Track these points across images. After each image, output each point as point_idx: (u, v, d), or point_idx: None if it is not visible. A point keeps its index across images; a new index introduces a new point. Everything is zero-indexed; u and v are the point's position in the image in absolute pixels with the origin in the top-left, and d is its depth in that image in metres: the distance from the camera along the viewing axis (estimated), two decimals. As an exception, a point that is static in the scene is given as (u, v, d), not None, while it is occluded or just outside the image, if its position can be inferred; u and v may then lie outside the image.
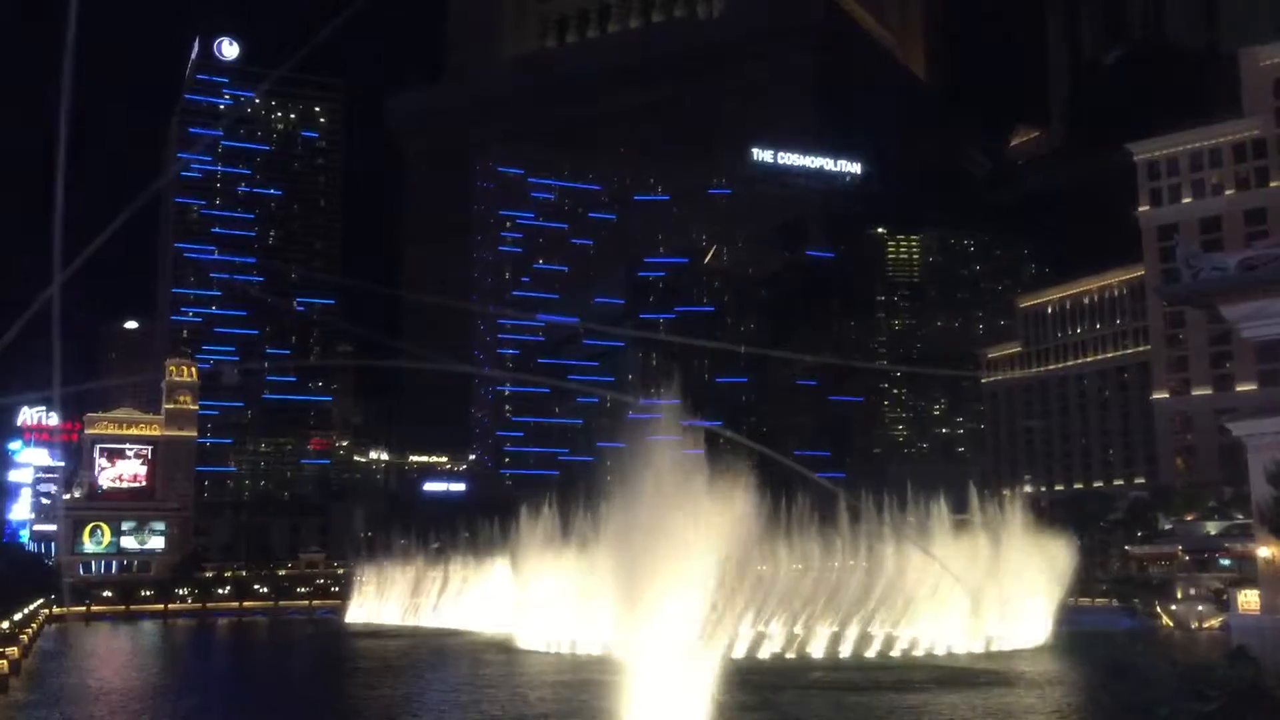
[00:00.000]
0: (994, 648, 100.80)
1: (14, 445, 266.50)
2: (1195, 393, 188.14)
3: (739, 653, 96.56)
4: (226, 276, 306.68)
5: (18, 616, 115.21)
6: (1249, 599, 66.64)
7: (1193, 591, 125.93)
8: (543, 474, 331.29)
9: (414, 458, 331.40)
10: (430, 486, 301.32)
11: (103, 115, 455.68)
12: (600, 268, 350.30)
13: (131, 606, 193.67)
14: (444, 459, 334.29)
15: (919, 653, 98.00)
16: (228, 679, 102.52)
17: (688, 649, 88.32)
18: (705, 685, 64.78)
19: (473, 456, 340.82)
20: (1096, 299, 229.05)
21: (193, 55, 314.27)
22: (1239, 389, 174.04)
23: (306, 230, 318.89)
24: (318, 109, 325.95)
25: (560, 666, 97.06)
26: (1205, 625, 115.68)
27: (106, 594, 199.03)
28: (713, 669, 74.62)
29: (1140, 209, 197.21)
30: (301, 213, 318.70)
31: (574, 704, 65.27)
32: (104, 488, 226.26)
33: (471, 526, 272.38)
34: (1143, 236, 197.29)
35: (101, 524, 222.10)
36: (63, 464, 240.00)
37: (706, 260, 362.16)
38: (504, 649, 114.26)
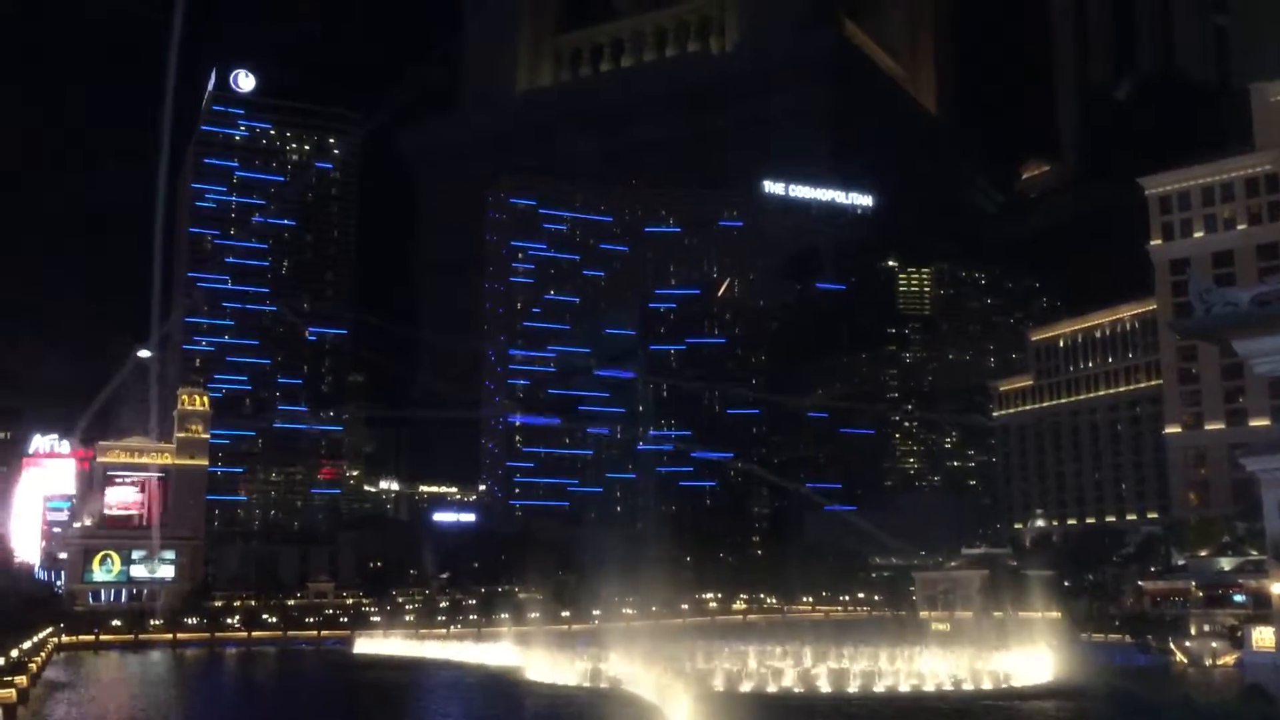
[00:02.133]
0: (1004, 684, 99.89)
1: (26, 473, 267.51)
2: (1208, 427, 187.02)
3: (746, 687, 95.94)
4: (239, 306, 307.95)
5: (26, 645, 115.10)
6: (1264, 636, 66.09)
7: (1206, 628, 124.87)
8: (552, 505, 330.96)
9: (424, 488, 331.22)
10: (440, 516, 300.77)
11: (122, 143, 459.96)
12: (611, 299, 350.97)
13: (140, 635, 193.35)
14: (454, 489, 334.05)
15: (929, 688, 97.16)
16: (234, 711, 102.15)
17: (693, 684, 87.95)
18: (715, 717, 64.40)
19: (483, 487, 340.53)
20: (1108, 332, 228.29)
21: (209, 86, 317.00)
22: (1252, 424, 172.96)
23: (319, 261, 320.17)
24: (332, 140, 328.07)
25: (567, 700, 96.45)
26: (1219, 662, 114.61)
27: (115, 623, 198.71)
28: (718, 703, 74.22)
29: (1152, 242, 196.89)
30: (315, 243, 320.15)
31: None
32: (114, 516, 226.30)
33: (481, 557, 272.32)
34: (1155, 270, 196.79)
35: (111, 553, 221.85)
36: (74, 492, 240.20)
37: (719, 293, 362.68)
38: (512, 682, 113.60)
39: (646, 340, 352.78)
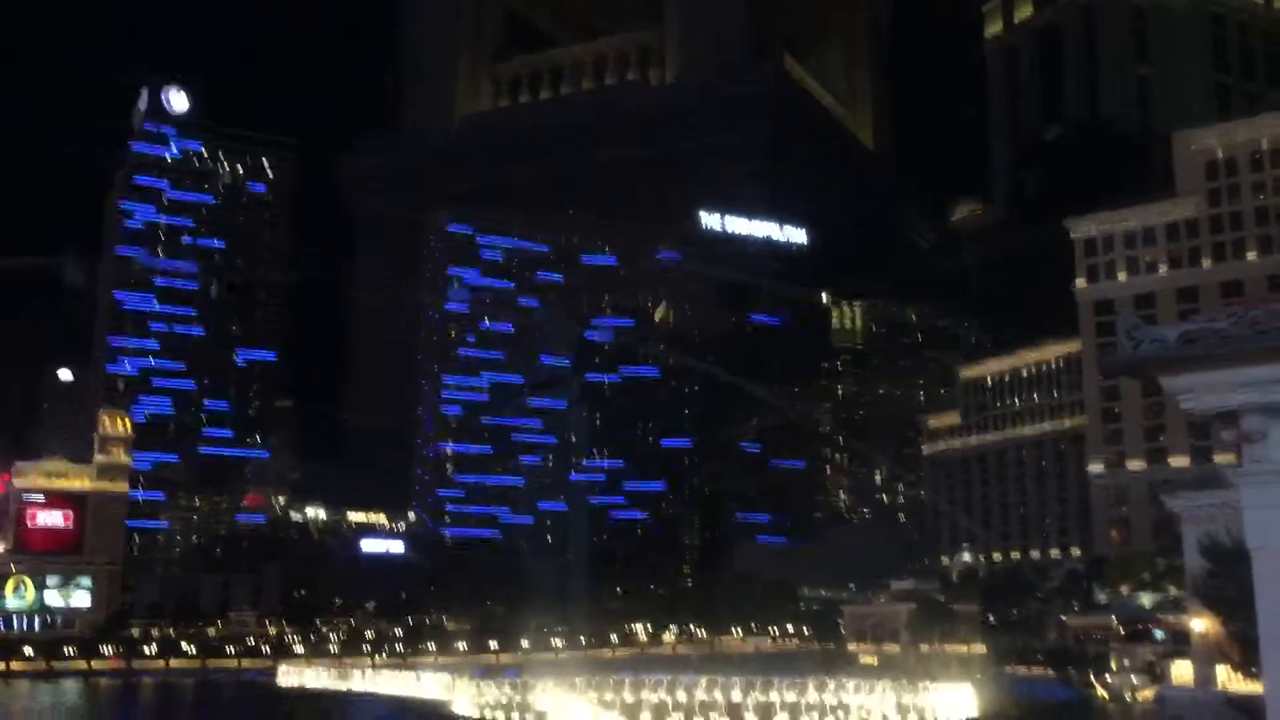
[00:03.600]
0: (930, 717, 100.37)
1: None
2: (1130, 465, 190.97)
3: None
4: (165, 328, 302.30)
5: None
6: (1182, 671, 67.26)
7: (1127, 663, 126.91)
8: (483, 534, 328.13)
9: (352, 515, 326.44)
10: (368, 545, 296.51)
11: (49, 161, 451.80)
12: (546, 328, 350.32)
13: (53, 664, 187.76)
14: (383, 517, 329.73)
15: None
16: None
17: (621, 716, 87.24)
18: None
19: (413, 515, 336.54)
20: (1035, 371, 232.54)
21: (141, 106, 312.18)
22: (1173, 462, 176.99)
23: (250, 283, 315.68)
24: (265, 163, 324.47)
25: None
26: (1139, 696, 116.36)
27: (27, 651, 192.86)
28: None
29: (1077, 283, 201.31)
30: (245, 266, 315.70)
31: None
32: (29, 541, 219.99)
33: (409, 587, 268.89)
34: (1079, 311, 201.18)
35: (25, 578, 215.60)
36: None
37: (657, 320, 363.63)
38: (438, 716, 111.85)
39: (581, 370, 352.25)
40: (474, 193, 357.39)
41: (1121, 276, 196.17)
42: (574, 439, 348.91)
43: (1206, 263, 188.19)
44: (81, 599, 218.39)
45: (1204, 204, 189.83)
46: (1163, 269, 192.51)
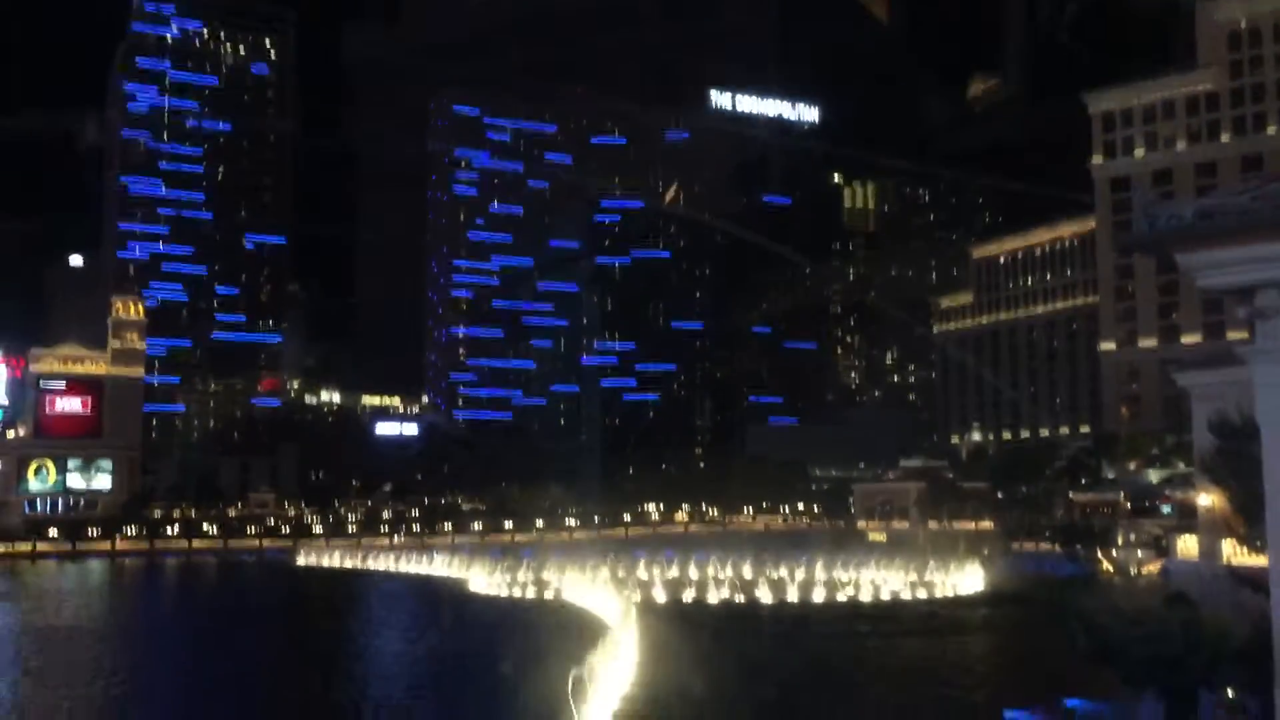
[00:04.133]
0: (937, 594, 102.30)
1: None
2: (1142, 344, 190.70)
3: (686, 599, 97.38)
4: (174, 213, 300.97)
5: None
6: (1188, 545, 68.07)
7: (1133, 538, 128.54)
8: (496, 416, 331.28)
9: (366, 399, 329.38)
10: (382, 429, 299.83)
11: (47, 44, 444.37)
12: (556, 210, 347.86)
13: (78, 545, 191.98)
14: (396, 401, 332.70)
15: (865, 598, 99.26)
16: (176, 617, 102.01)
17: (635, 595, 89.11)
18: (656, 630, 65.29)
19: (425, 399, 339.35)
20: (1048, 250, 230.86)
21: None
22: (1185, 340, 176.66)
23: (256, 167, 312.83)
24: (268, 41, 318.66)
25: (509, 611, 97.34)
26: (1144, 570, 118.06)
27: (52, 532, 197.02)
28: (659, 614, 75.31)
29: (1093, 160, 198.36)
30: (251, 149, 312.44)
31: (526, 646, 65.33)
32: (49, 425, 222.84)
33: (424, 469, 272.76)
34: (1095, 188, 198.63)
35: (47, 462, 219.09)
36: (5, 401, 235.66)
37: (667, 201, 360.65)
38: (455, 593, 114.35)
39: (591, 252, 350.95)
40: (481, 72, 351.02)
41: (1139, 152, 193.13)
42: (585, 321, 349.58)
43: (1226, 137, 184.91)
44: (102, 482, 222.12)
45: (1225, 76, 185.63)
46: (1181, 144, 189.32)
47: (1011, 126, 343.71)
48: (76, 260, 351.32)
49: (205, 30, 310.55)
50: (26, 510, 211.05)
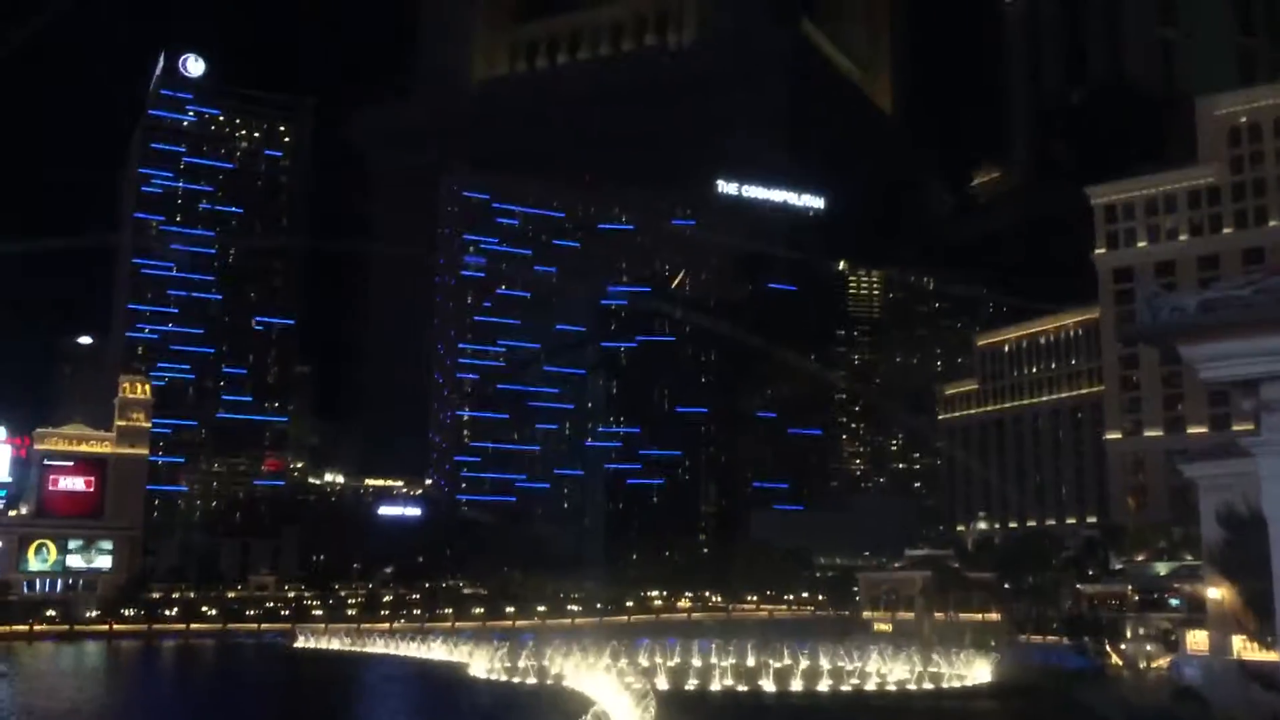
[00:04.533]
0: (943, 685, 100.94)
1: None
2: (1147, 434, 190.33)
3: (689, 686, 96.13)
4: (184, 294, 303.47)
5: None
6: (1197, 640, 67.22)
7: (1142, 631, 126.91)
8: (499, 500, 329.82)
9: (370, 481, 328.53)
10: (385, 510, 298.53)
11: (66, 130, 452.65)
12: (563, 295, 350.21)
13: (76, 626, 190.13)
14: (400, 483, 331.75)
15: (870, 688, 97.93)
16: (170, 701, 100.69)
17: (638, 681, 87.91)
18: (655, 716, 64.40)
19: (429, 481, 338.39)
20: (1053, 339, 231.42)
21: (157, 71, 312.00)
22: (1190, 431, 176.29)
23: (267, 250, 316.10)
24: (282, 128, 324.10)
25: (510, 697, 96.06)
26: (1154, 665, 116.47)
27: (50, 613, 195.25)
28: (662, 701, 74.28)
29: (1097, 251, 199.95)
30: (263, 232, 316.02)
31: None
32: (51, 505, 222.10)
33: (426, 551, 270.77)
34: (1099, 278, 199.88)
35: (48, 541, 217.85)
36: (9, 479, 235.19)
37: (673, 286, 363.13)
38: (455, 678, 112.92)
39: (597, 337, 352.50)
40: (490, 157, 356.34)
41: (1142, 243, 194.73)
42: (590, 405, 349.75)
43: (1228, 230, 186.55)
44: (103, 562, 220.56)
45: (1226, 170, 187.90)
46: (1184, 236, 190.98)
47: (1015, 216, 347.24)
48: (85, 340, 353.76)
49: (221, 116, 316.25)
50: (25, 590, 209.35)
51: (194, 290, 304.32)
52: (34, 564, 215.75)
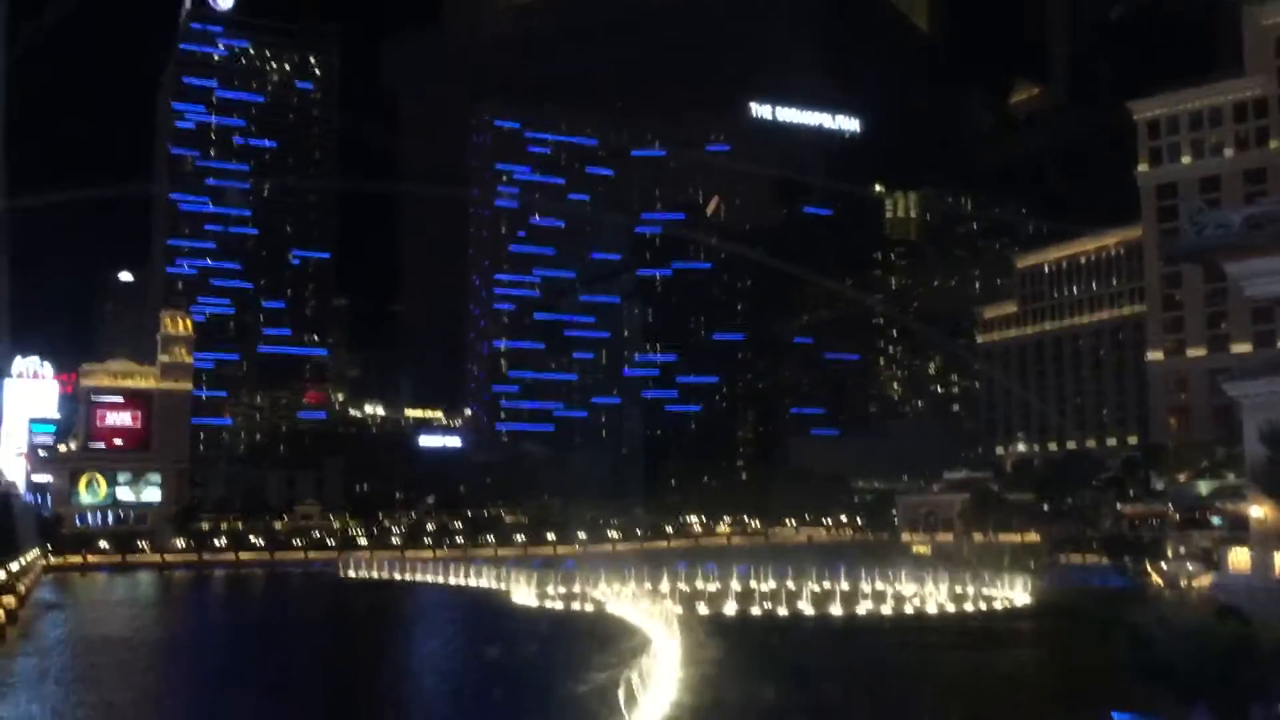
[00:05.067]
0: (984, 607, 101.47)
1: (8, 396, 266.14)
2: (1190, 353, 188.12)
3: (730, 610, 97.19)
4: (221, 229, 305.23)
5: (14, 566, 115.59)
6: (1239, 558, 66.91)
7: (1183, 550, 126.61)
8: (538, 429, 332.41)
9: (410, 412, 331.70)
10: (426, 441, 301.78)
11: (98, 65, 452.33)
12: (597, 223, 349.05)
13: (127, 557, 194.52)
14: (439, 414, 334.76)
15: (909, 611, 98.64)
16: (225, 628, 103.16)
17: (678, 606, 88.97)
18: (697, 640, 65.29)
19: (468, 411, 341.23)
20: (1094, 259, 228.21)
21: (187, 4, 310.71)
22: (1234, 349, 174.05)
23: (301, 183, 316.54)
24: (312, 60, 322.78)
25: (553, 623, 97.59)
26: (1195, 584, 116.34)
27: (103, 544, 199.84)
28: (702, 626, 75.24)
29: (1139, 168, 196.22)
30: (296, 165, 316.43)
31: (573, 656, 65.55)
32: (100, 439, 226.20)
33: (467, 481, 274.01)
34: (1141, 196, 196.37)
35: (97, 475, 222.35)
36: (58, 415, 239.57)
37: (708, 213, 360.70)
38: (499, 604, 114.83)
39: (632, 264, 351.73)
40: (521, 85, 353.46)
41: (1186, 159, 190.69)
42: (627, 334, 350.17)
43: (1275, 143, 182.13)
44: (152, 494, 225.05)
45: (1274, 82, 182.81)
46: (1229, 151, 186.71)
47: (1055, 134, 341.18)
48: (126, 276, 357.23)
49: (251, 49, 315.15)
50: (78, 523, 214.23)
51: (231, 225, 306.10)
52: (85, 497, 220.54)
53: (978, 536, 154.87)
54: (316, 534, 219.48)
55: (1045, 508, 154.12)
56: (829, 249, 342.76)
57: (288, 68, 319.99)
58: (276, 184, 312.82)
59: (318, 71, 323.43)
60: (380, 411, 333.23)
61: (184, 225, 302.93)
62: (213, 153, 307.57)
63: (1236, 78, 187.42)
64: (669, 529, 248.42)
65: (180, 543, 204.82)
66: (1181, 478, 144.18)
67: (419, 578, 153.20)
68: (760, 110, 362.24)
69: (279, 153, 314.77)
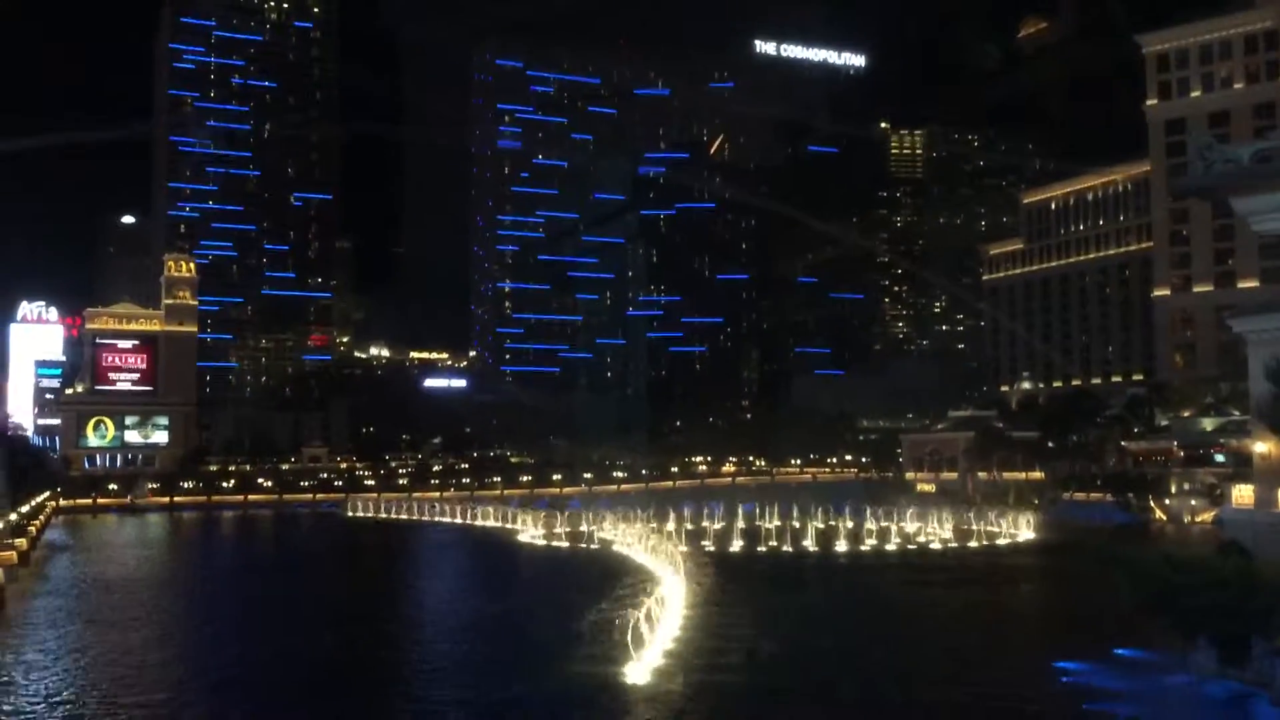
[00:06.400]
0: (988, 544, 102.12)
1: (14, 340, 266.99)
2: (1196, 289, 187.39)
3: (734, 547, 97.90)
4: (222, 171, 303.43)
5: (25, 509, 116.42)
6: (1243, 494, 67.06)
7: (1186, 486, 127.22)
8: (543, 370, 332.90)
9: (415, 354, 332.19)
10: (431, 382, 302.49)
11: (94, 4, 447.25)
12: (600, 163, 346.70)
13: (136, 499, 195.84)
14: (444, 355, 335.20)
15: (914, 548, 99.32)
16: (235, 567, 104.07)
17: (682, 544, 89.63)
18: (705, 575, 65.77)
19: (473, 353, 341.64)
20: (1101, 195, 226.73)
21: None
22: (1241, 285, 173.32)
23: (302, 123, 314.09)
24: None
25: (559, 560, 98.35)
26: (1198, 519, 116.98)
27: (112, 486, 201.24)
28: (707, 563, 75.78)
29: (1148, 102, 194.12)
30: (297, 105, 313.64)
31: (579, 594, 66.04)
32: (106, 382, 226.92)
33: (473, 422, 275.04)
34: (1149, 131, 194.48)
35: (105, 418, 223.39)
36: (64, 358, 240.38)
37: (713, 150, 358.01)
38: (505, 543, 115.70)
39: (636, 204, 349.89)
40: (522, 23, 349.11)
41: (1195, 93, 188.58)
42: (631, 274, 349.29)
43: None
44: (159, 437, 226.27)
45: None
46: (1238, 84, 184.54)
47: (1063, 69, 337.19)
48: (128, 219, 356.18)
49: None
50: (86, 465, 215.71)
51: (232, 167, 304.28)
52: (93, 440, 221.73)
53: (982, 474, 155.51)
54: (324, 475, 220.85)
55: (1050, 445, 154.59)
56: (834, 187, 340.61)
57: (286, 6, 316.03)
58: (277, 125, 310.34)
59: (316, 10, 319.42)
60: (385, 353, 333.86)
61: (185, 167, 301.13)
62: (212, 94, 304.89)
63: (1247, 9, 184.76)
64: (674, 469, 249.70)
65: (188, 484, 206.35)
66: (1185, 414, 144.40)
67: (426, 518, 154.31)
68: (765, 47, 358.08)
69: (278, 93, 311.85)
